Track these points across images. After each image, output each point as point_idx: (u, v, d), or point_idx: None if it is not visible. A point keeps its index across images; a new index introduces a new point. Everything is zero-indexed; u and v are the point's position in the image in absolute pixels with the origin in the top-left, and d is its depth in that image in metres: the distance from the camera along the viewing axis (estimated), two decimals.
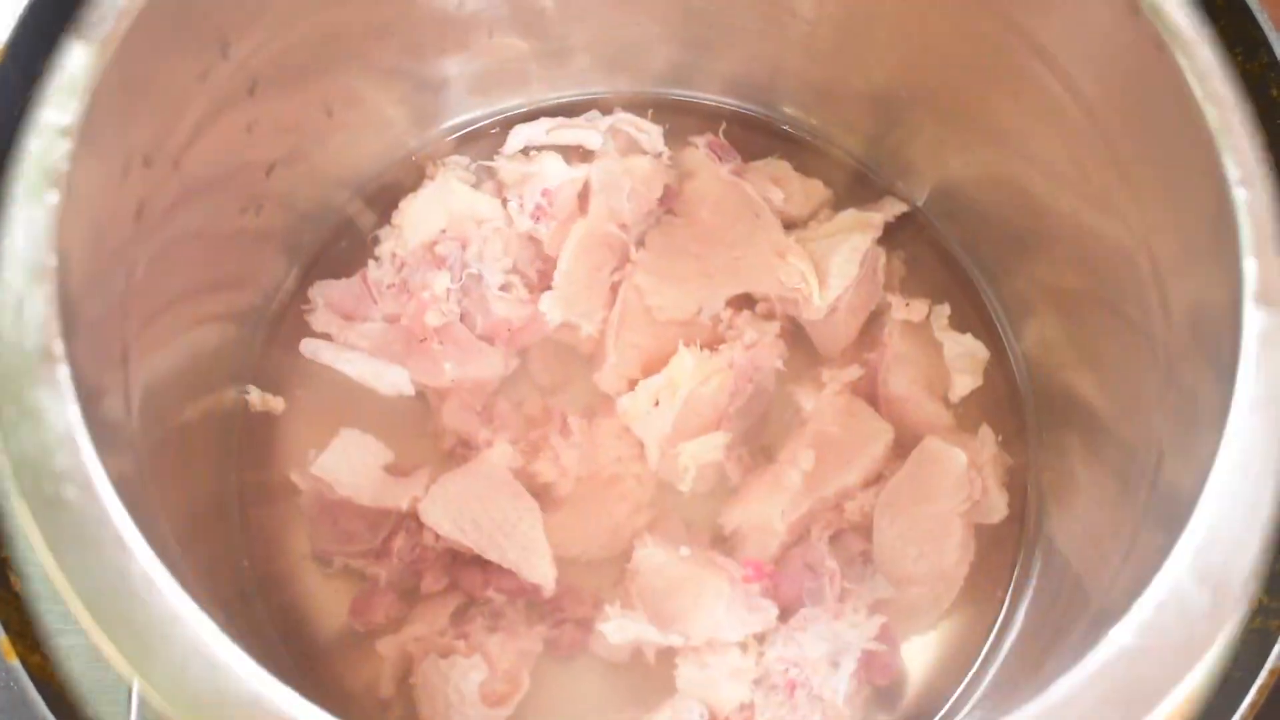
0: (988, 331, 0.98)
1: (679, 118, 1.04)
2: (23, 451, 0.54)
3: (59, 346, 0.56)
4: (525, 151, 1.02)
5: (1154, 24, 0.66)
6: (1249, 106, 0.63)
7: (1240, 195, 0.61)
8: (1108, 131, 0.74)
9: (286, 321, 0.97)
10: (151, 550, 0.54)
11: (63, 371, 0.56)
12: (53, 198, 0.58)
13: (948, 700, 0.88)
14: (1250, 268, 0.60)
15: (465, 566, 0.89)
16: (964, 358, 0.96)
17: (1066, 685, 0.53)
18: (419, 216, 0.97)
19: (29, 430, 0.55)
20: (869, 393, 0.95)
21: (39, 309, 0.56)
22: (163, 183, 0.71)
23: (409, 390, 0.93)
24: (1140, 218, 0.73)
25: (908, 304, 0.97)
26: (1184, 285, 0.69)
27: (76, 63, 0.61)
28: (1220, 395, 0.60)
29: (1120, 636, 0.54)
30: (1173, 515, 0.60)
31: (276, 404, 0.94)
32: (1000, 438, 0.94)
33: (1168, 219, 0.70)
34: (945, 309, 0.98)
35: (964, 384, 0.95)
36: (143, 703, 0.90)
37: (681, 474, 0.91)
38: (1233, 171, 0.62)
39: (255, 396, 0.93)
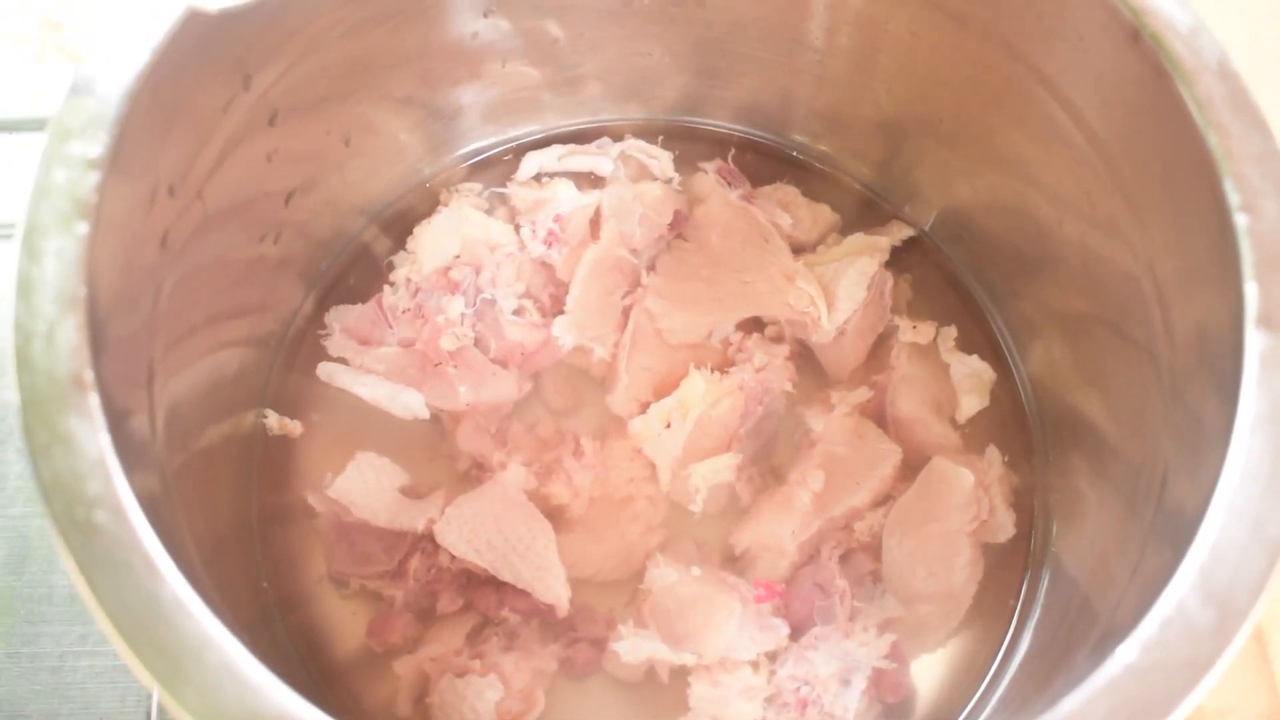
0: (994, 353, 0.99)
1: (689, 144, 1.06)
2: (55, 476, 0.56)
3: (89, 374, 0.57)
4: (538, 178, 1.03)
5: (1155, 53, 0.67)
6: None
7: (1241, 220, 0.63)
8: (1112, 158, 0.76)
9: (304, 346, 0.98)
10: (181, 573, 0.56)
11: (93, 399, 0.57)
12: (82, 228, 0.60)
13: (957, 718, 0.89)
14: (1251, 291, 0.61)
15: (480, 587, 0.90)
16: (970, 379, 0.97)
17: (1072, 703, 0.54)
18: (433, 242, 0.98)
19: (61, 456, 0.56)
20: (877, 414, 0.96)
21: (70, 337, 0.58)
22: (186, 212, 0.73)
23: (424, 413, 0.94)
24: (1144, 242, 0.74)
25: (915, 326, 0.98)
26: (1187, 308, 0.70)
27: (106, 95, 0.62)
28: (1223, 415, 0.61)
29: (1125, 654, 0.55)
30: (1178, 533, 0.61)
31: (294, 427, 0.95)
32: (1007, 458, 0.95)
33: (1171, 243, 0.71)
34: (952, 331, 0.99)
35: (971, 404, 0.96)
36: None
37: (693, 495, 0.92)
38: (1234, 197, 0.63)
39: (273, 420, 0.95)
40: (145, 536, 0.55)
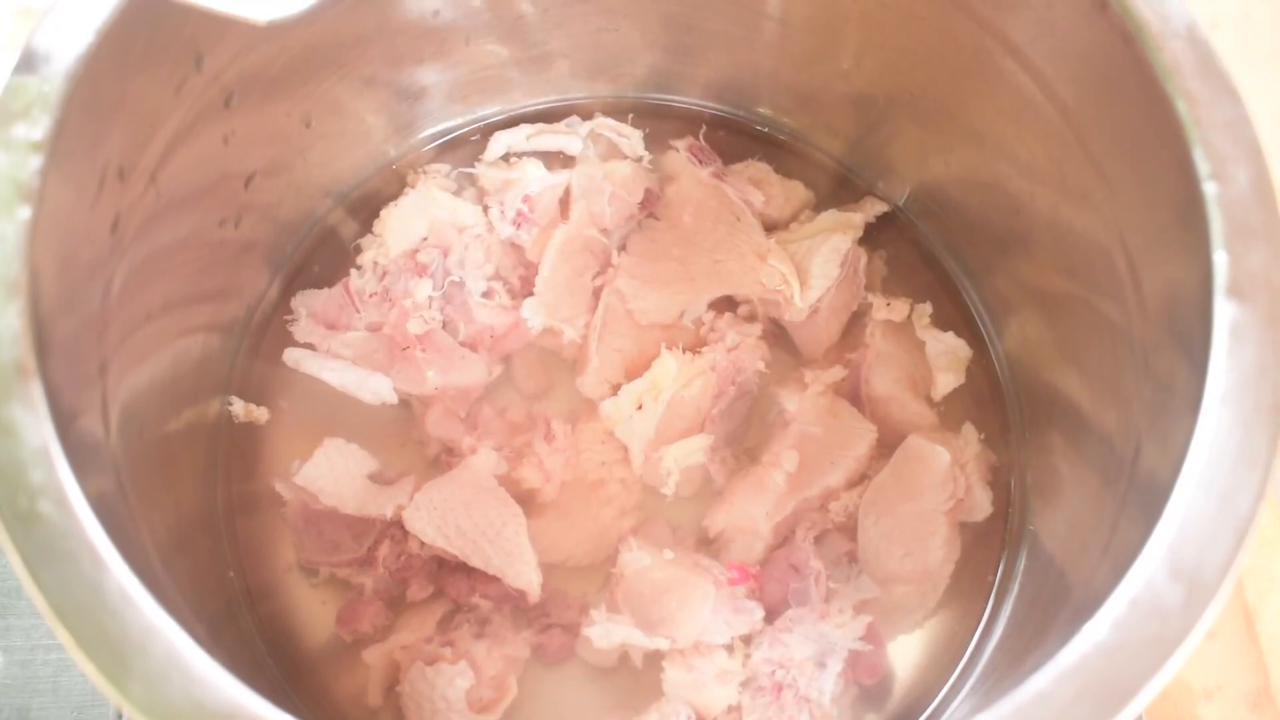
0: (969, 330, 0.98)
1: (659, 122, 1.04)
2: None
3: (32, 361, 0.56)
4: (506, 158, 1.02)
5: (1122, 19, 0.66)
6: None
7: (1210, 189, 0.62)
8: (1081, 128, 0.75)
9: (269, 332, 0.97)
10: (128, 564, 0.54)
11: (36, 387, 0.56)
12: (24, 212, 0.59)
13: (934, 698, 0.88)
14: (1221, 260, 0.60)
15: (451, 574, 0.89)
16: (946, 356, 0.96)
17: (1040, 681, 0.54)
18: (400, 225, 0.97)
19: (3, 445, 0.55)
20: (852, 393, 0.95)
21: (11, 324, 0.57)
22: (139, 196, 0.71)
23: (392, 398, 0.93)
24: (1115, 213, 0.73)
25: (889, 304, 0.97)
26: (1158, 279, 0.69)
27: (49, 76, 0.61)
28: (1193, 387, 0.60)
29: (1095, 632, 0.54)
30: (1150, 507, 0.60)
31: (260, 414, 0.94)
32: (983, 435, 0.94)
33: (1141, 214, 0.70)
34: (927, 308, 0.98)
35: (946, 382, 0.96)
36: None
37: (664, 478, 0.91)
38: (1203, 165, 0.62)
39: (239, 407, 0.93)
40: (90, 527, 0.54)
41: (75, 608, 0.53)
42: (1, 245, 0.58)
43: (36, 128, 0.60)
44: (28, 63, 0.61)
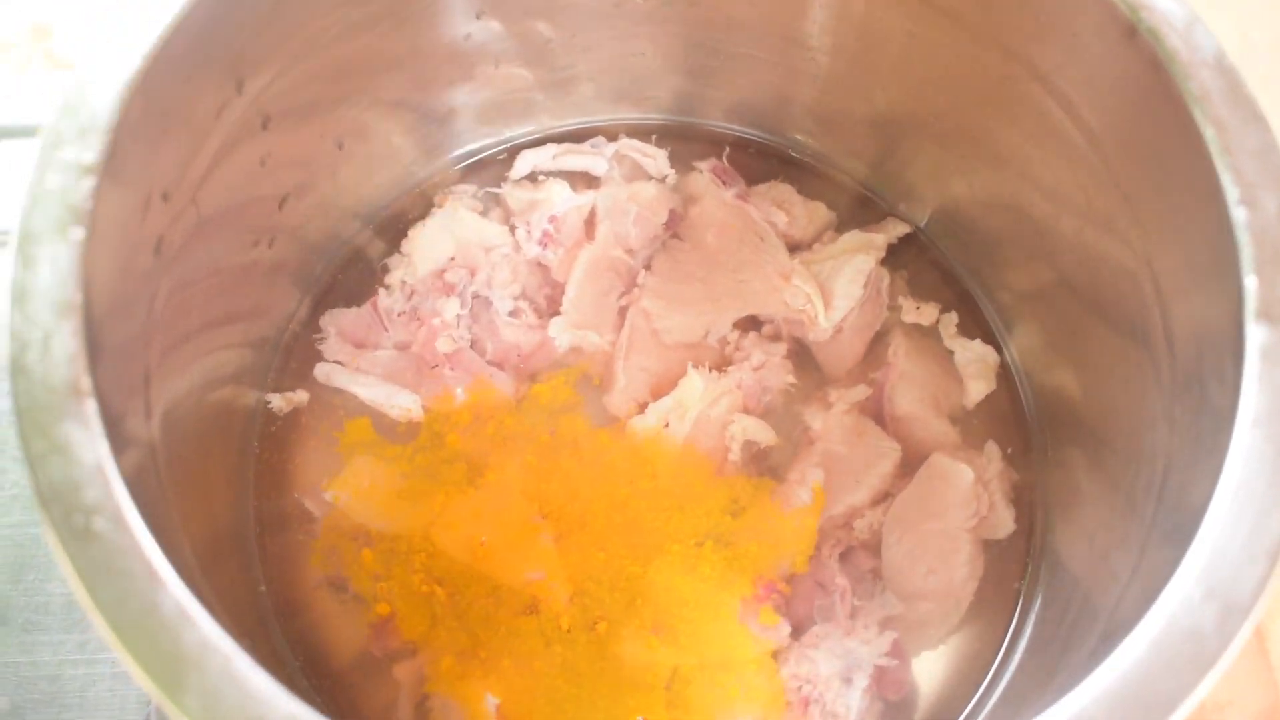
0: (991, 348, 0.99)
1: (683, 143, 1.06)
2: (52, 485, 0.55)
3: (86, 381, 0.57)
4: (532, 178, 1.03)
5: (1151, 47, 0.67)
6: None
7: (1240, 215, 0.62)
8: (1108, 154, 0.76)
9: (299, 350, 0.98)
10: (180, 578, 0.55)
11: (90, 406, 0.56)
12: (77, 234, 0.59)
13: (959, 715, 0.89)
14: (1251, 285, 0.61)
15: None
16: (975, 364, 0.97)
17: (1075, 702, 0.54)
18: (428, 245, 0.98)
19: (58, 464, 0.55)
20: (875, 412, 0.96)
21: (66, 344, 0.57)
22: (180, 217, 0.72)
23: (420, 415, 0.94)
24: (1142, 238, 0.74)
25: (918, 307, 0.99)
26: (1186, 303, 0.70)
27: (99, 100, 0.62)
28: (1224, 411, 0.61)
29: (1129, 652, 0.55)
30: (1180, 530, 0.61)
31: (300, 398, 0.95)
32: (1010, 450, 0.95)
33: (1169, 239, 0.71)
34: (953, 317, 0.99)
35: (978, 390, 0.97)
36: None
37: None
38: (1232, 191, 0.63)
39: (277, 401, 0.95)
40: (145, 543, 0.55)
41: (132, 624, 0.53)
42: (55, 266, 0.58)
43: (89, 151, 0.61)
44: (79, 87, 0.62)
